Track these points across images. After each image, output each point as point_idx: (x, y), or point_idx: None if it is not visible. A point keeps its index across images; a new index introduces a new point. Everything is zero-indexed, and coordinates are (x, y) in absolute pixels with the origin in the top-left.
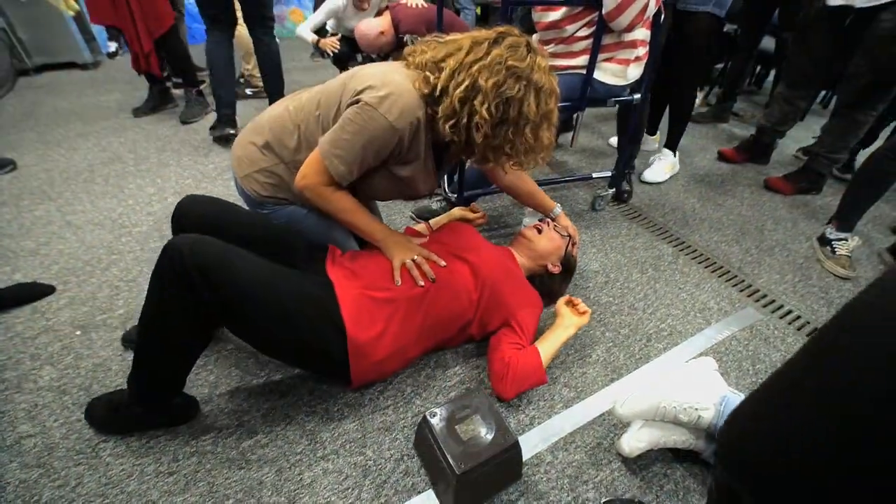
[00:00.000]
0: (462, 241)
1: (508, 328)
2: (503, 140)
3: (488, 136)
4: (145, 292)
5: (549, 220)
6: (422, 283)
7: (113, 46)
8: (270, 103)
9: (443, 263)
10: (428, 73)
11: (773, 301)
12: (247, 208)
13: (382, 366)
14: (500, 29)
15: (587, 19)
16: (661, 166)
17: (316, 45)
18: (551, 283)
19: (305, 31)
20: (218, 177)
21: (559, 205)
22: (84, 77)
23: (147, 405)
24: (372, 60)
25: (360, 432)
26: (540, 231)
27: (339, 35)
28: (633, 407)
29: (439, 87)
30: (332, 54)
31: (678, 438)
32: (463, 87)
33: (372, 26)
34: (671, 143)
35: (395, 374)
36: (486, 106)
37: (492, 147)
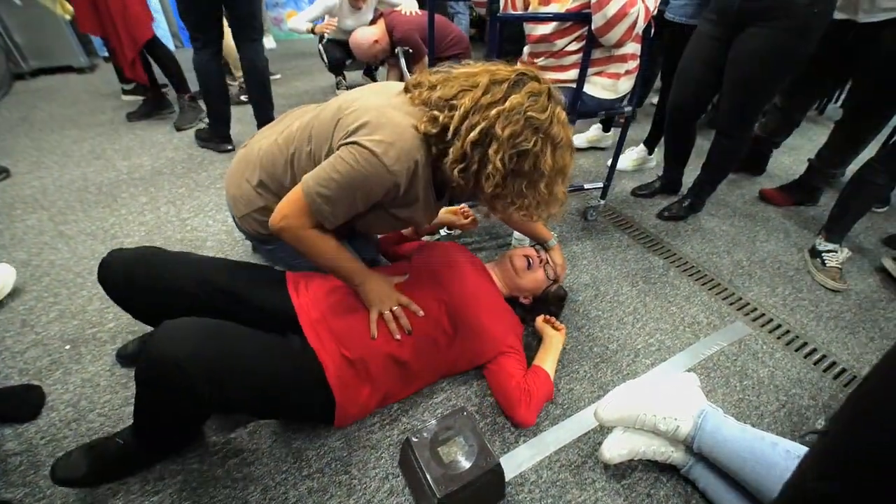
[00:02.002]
0: (442, 271)
1: (507, 355)
2: (514, 193)
3: (499, 187)
4: None
5: (542, 250)
6: (398, 336)
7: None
8: (257, 117)
9: (421, 313)
10: (436, 112)
11: (763, 315)
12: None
13: (364, 411)
14: (521, 69)
15: (577, 34)
16: (628, 157)
17: (312, 32)
18: (523, 312)
19: (300, 22)
20: (211, 185)
21: (556, 235)
22: (80, 81)
23: (160, 453)
24: (368, 67)
25: (346, 450)
26: (530, 266)
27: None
28: (614, 412)
29: (451, 128)
30: (327, 61)
31: (657, 449)
32: (477, 130)
33: (366, 35)
34: (649, 144)
35: None
36: (500, 155)
37: (501, 197)
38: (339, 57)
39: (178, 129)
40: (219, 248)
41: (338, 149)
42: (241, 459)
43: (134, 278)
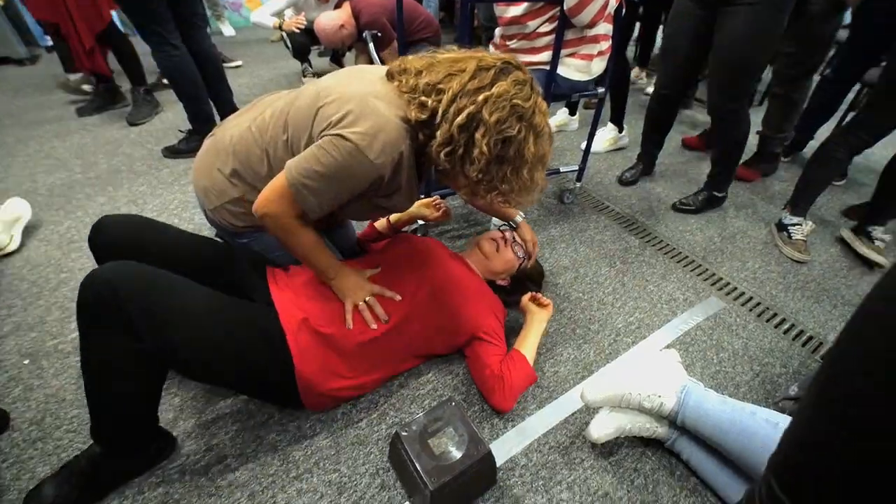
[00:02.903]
0: (417, 258)
1: (481, 341)
2: (498, 179)
3: (483, 172)
4: None
5: (510, 228)
6: (374, 326)
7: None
8: (219, 108)
9: (398, 298)
10: (424, 98)
11: (735, 289)
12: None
13: (337, 394)
14: (506, 58)
15: (549, 15)
16: (603, 138)
17: (280, 29)
18: (505, 295)
19: (264, 16)
20: (174, 183)
21: (521, 212)
22: (20, 74)
23: (125, 452)
24: (335, 52)
25: (334, 448)
26: (497, 249)
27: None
28: (599, 393)
29: (440, 112)
30: (291, 47)
31: (642, 425)
32: (465, 114)
33: (332, 19)
34: (615, 118)
35: None
36: (486, 140)
37: (486, 182)
38: (304, 42)
39: (133, 125)
40: None
41: (319, 138)
42: (225, 466)
43: (127, 239)
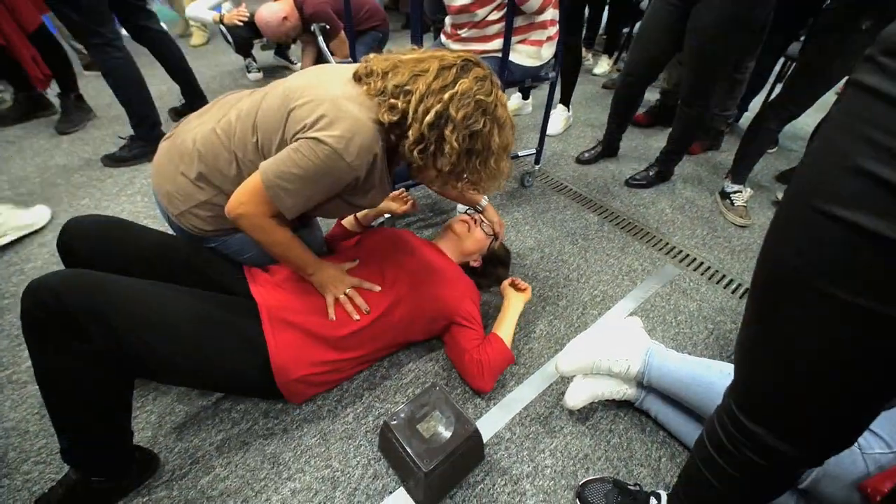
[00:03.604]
0: (390, 252)
1: (459, 326)
2: (469, 169)
3: (455, 165)
4: None
5: (476, 212)
6: (357, 317)
7: None
8: (186, 95)
9: (377, 289)
10: (394, 100)
11: (688, 255)
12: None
13: (314, 378)
14: (465, 56)
15: (497, 2)
16: (556, 120)
17: (220, 23)
18: (477, 276)
19: (201, 10)
20: (121, 193)
21: (486, 197)
22: None
23: (103, 472)
24: (279, 46)
25: (324, 445)
26: (469, 229)
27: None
28: (572, 363)
29: (410, 113)
30: (233, 42)
31: (613, 389)
32: (433, 112)
33: (274, 12)
34: (564, 100)
35: (350, 380)
36: (455, 136)
37: (456, 173)
38: (246, 36)
39: (63, 133)
40: None
41: (293, 141)
42: (214, 476)
43: (99, 241)
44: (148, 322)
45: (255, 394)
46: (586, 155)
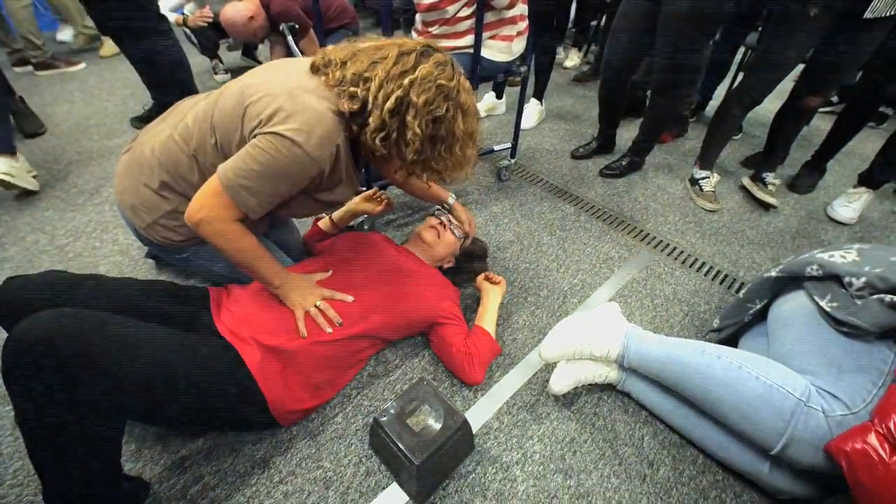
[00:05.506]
0: (362, 260)
1: (443, 325)
2: (433, 157)
3: (418, 153)
4: None
5: (444, 211)
6: (329, 329)
7: None
8: (158, 105)
9: (349, 299)
10: (353, 89)
11: (661, 241)
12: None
13: (306, 405)
14: (424, 41)
15: None
16: (530, 114)
17: (184, 25)
18: (453, 275)
19: (164, 11)
20: (86, 202)
21: (452, 194)
22: None
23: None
24: (247, 46)
25: (314, 447)
26: (439, 235)
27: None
28: (554, 350)
29: (370, 100)
30: (198, 43)
31: (596, 373)
32: (393, 98)
33: (239, 11)
34: (538, 94)
35: None
36: (417, 122)
37: (421, 162)
38: (211, 36)
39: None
40: (117, 272)
41: (252, 137)
42: (204, 485)
43: (37, 306)
44: (139, 367)
45: (254, 427)
46: (581, 150)
